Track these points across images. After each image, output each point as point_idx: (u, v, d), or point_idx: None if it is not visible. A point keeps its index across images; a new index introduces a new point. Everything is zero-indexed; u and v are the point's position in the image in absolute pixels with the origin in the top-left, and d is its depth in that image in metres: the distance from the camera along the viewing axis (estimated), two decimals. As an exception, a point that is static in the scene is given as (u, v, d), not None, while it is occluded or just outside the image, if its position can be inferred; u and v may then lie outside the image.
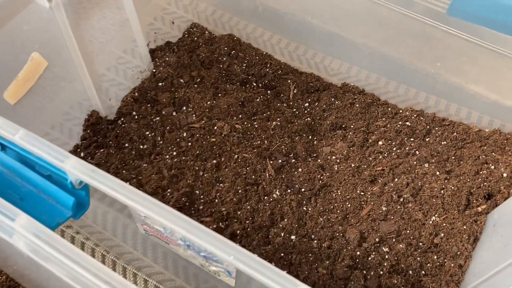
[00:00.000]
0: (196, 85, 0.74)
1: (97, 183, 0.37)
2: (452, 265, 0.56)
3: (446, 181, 0.63)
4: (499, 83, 0.77)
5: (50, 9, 0.53)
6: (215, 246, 0.34)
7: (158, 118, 0.70)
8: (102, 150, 0.67)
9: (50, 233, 0.35)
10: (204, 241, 0.34)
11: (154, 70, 0.74)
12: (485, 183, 0.61)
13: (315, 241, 0.60)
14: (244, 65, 0.78)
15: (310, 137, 0.71)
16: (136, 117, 0.70)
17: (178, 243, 0.46)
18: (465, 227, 0.58)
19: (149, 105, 0.71)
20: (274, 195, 0.64)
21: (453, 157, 0.66)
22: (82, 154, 0.66)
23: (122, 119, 0.70)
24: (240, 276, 0.44)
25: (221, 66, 0.78)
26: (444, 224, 0.59)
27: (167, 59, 0.75)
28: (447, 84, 0.79)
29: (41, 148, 0.38)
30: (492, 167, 0.63)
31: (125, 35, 0.73)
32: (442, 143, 0.68)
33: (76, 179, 0.39)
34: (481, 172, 0.63)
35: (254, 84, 0.77)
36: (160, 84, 0.73)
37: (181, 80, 0.74)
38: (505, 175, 0.61)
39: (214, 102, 0.72)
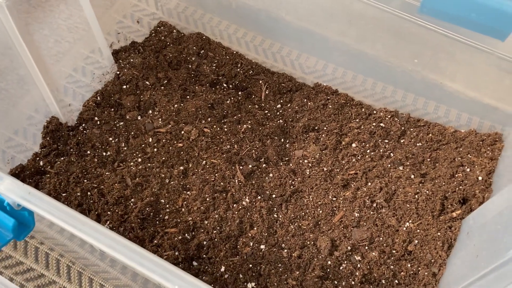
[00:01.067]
0: (162, 87, 0.71)
1: (33, 206, 0.34)
2: (426, 273, 0.54)
3: (420, 185, 0.61)
4: (478, 79, 0.75)
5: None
6: (158, 274, 0.31)
7: (122, 123, 0.67)
8: (62, 158, 0.63)
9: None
10: (147, 269, 0.31)
11: (118, 72, 0.71)
12: (460, 187, 0.59)
13: (285, 251, 0.57)
14: (214, 65, 0.75)
15: (282, 140, 0.68)
16: (98, 122, 0.66)
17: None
18: (439, 233, 0.56)
19: (112, 109, 0.68)
20: (244, 203, 0.61)
21: (428, 159, 0.64)
22: (41, 163, 0.63)
23: (84, 125, 0.66)
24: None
25: (190, 66, 0.75)
26: (418, 231, 0.57)
27: (131, 60, 0.72)
28: (424, 82, 0.76)
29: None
30: (468, 169, 0.61)
31: (84, 37, 0.69)
32: (417, 144, 0.66)
33: (13, 201, 0.36)
34: (456, 175, 0.61)
35: (225, 85, 0.74)
36: (124, 86, 0.70)
37: (147, 82, 0.71)
38: (480, 178, 0.59)
39: (182, 105, 0.69)
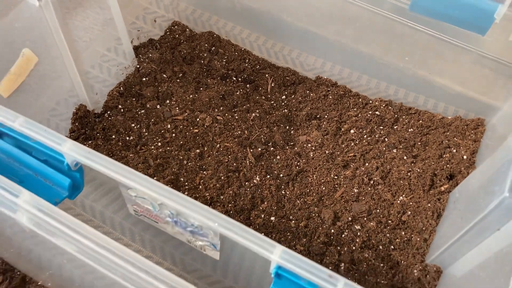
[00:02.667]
0: (178, 80, 0.78)
1: (93, 162, 0.40)
2: (418, 239, 0.62)
3: (412, 164, 0.68)
4: (463, 75, 0.82)
5: (40, 7, 0.57)
6: (200, 214, 0.38)
7: (143, 111, 0.74)
8: (90, 141, 0.70)
9: (53, 207, 0.38)
10: (191, 211, 0.38)
11: (138, 66, 0.78)
12: (447, 165, 0.67)
13: (293, 221, 0.64)
14: (224, 60, 0.83)
15: (287, 127, 0.75)
16: (122, 110, 0.73)
17: (166, 221, 0.49)
18: (429, 205, 0.64)
19: (134, 99, 0.75)
20: (255, 181, 0.68)
21: (419, 143, 0.72)
22: (70, 146, 0.69)
23: (109, 112, 0.73)
24: (224, 248, 0.48)
25: (202, 61, 0.82)
26: (411, 203, 0.65)
27: (150, 55, 0.79)
28: (415, 77, 0.84)
29: (40, 133, 0.42)
30: (454, 150, 0.69)
31: (109, 34, 0.76)
32: (409, 130, 0.74)
33: (72, 160, 0.43)
34: (444, 156, 0.69)
35: (234, 78, 0.81)
36: (144, 79, 0.77)
37: (164, 75, 0.78)
38: (465, 157, 0.67)
39: (196, 95, 0.76)
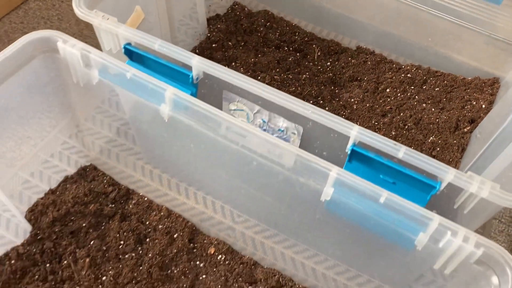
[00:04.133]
0: (241, 47, 0.94)
1: (219, 73, 0.55)
2: (446, 168, 0.76)
3: (439, 113, 0.83)
4: (478, 54, 0.97)
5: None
6: (297, 105, 0.53)
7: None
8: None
9: (191, 97, 0.53)
10: (291, 103, 0.53)
11: (208, 34, 0.94)
12: (469, 113, 0.81)
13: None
14: (277, 33, 0.98)
15: (332, 87, 0.90)
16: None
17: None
18: (455, 141, 0.78)
19: (207, 59, 0.90)
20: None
21: (444, 99, 0.86)
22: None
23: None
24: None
25: (259, 34, 0.97)
26: (439, 141, 0.79)
27: (218, 26, 0.95)
28: (436, 55, 0.98)
29: (173, 51, 0.57)
30: (474, 102, 0.83)
31: (189, 2, 0.91)
32: (436, 89, 0.88)
33: (196, 73, 0.58)
34: (466, 107, 0.83)
35: (286, 48, 0.96)
36: (214, 45, 0.92)
37: (230, 43, 0.93)
38: (483, 106, 0.81)
39: (256, 59, 0.91)
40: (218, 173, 0.69)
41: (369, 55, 0.94)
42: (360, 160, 0.54)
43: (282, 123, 0.63)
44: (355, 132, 0.51)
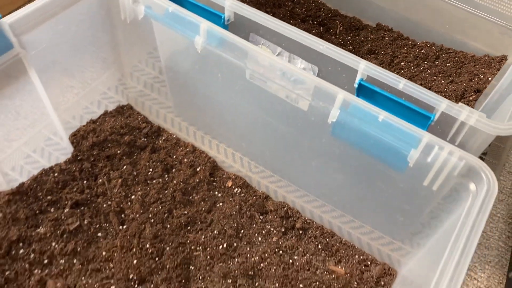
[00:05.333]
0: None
1: (247, 11, 0.64)
2: (449, 130, 0.82)
3: (448, 84, 0.89)
4: (492, 41, 1.03)
5: None
6: (313, 41, 0.60)
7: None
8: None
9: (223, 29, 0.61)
10: (309, 40, 0.61)
11: (240, 4, 1.03)
12: (476, 85, 0.88)
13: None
14: (304, 8, 1.06)
15: (351, 58, 0.98)
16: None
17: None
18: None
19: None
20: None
21: (454, 74, 0.93)
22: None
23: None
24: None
25: (287, 8, 1.06)
26: (446, 107, 0.85)
27: (250, -3, 1.04)
28: (453, 41, 1.05)
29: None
30: (481, 76, 0.89)
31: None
32: (447, 64, 0.95)
33: (228, 15, 0.66)
34: (473, 80, 0.89)
35: (311, 22, 1.05)
36: (245, 13, 1.01)
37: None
38: (490, 78, 0.87)
39: (283, 29, 1.00)
40: (239, 115, 0.77)
41: (387, 32, 1.02)
42: (366, 94, 0.61)
43: (300, 64, 0.70)
44: (363, 66, 0.59)
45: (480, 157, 0.92)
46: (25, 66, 0.67)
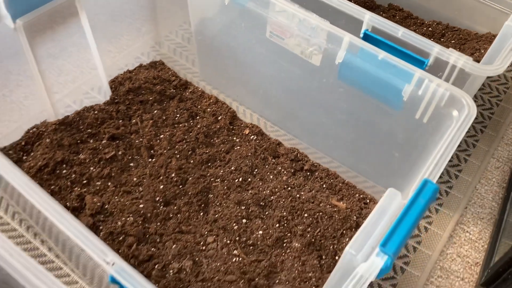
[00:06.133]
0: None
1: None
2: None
3: (451, 57, 0.97)
4: (498, 27, 1.11)
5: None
6: None
7: None
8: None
9: None
10: None
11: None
12: (476, 58, 0.96)
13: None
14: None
15: (363, 34, 1.07)
16: None
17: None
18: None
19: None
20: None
21: (458, 49, 1.01)
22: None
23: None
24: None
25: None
26: (447, 76, 0.93)
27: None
28: (461, 25, 1.13)
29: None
30: (483, 51, 0.97)
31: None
32: (452, 41, 1.03)
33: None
34: (475, 54, 0.97)
35: (328, 1, 1.14)
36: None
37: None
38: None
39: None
40: (258, 75, 0.87)
41: (398, 11, 1.11)
42: (371, 42, 0.70)
43: (313, 20, 0.80)
44: (368, 17, 0.68)
45: (480, 130, 1.00)
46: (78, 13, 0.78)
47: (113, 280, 0.43)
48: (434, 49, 0.64)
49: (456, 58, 0.63)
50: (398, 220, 0.42)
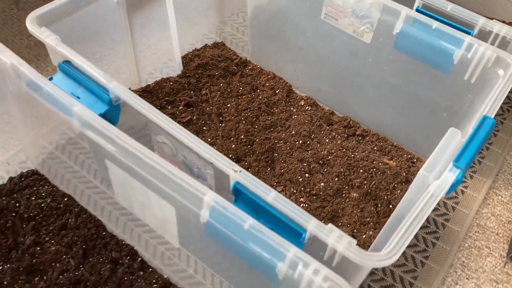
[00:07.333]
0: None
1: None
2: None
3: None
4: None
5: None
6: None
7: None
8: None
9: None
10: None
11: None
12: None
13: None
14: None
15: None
16: None
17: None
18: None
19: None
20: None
21: (488, 35, 1.11)
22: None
23: None
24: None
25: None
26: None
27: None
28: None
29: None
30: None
31: None
32: (482, 28, 1.13)
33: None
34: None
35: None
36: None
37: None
38: None
39: None
40: (311, 56, 0.97)
41: None
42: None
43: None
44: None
45: (509, 108, 1.10)
46: None
47: (235, 190, 0.53)
48: (480, 20, 0.74)
49: (500, 28, 0.73)
50: (469, 139, 0.52)
